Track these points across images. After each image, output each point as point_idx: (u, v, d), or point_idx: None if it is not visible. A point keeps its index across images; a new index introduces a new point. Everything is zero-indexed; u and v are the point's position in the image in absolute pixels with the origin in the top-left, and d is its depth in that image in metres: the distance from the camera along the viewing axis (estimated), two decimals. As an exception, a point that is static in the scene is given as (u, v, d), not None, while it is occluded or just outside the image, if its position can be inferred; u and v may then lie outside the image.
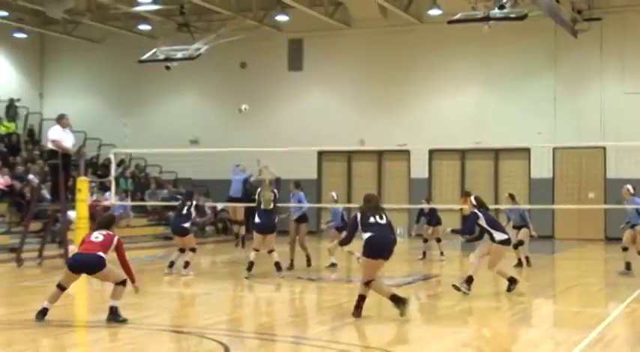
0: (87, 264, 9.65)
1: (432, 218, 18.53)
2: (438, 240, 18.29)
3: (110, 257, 9.80)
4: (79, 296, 13.54)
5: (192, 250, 15.10)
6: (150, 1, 25.81)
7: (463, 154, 27.08)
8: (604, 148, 25.03)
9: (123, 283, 9.70)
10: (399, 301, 10.04)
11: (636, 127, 23.71)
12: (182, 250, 15.23)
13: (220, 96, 30.07)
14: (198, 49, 25.29)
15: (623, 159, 23.64)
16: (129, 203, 24.79)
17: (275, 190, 15.00)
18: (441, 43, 26.95)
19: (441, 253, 18.12)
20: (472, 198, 12.62)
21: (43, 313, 9.62)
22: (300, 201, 16.56)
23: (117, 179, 23.48)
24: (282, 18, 27.53)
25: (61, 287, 9.75)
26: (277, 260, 14.66)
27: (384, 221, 10.14)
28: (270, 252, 14.70)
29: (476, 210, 12.33)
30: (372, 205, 10.27)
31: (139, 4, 26.07)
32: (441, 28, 24.75)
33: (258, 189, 15.14)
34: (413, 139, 25.59)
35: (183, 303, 12.32)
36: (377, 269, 10.11)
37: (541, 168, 25.57)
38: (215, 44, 25.80)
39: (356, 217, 10.23)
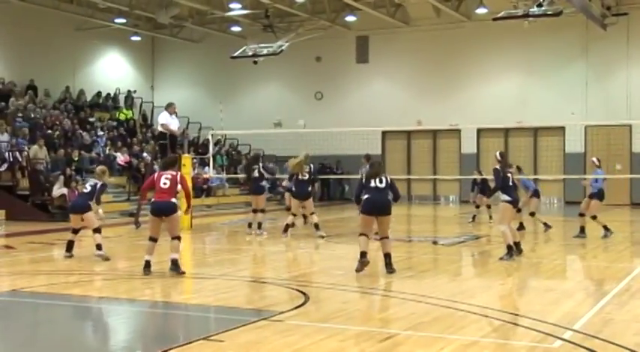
0: (164, 209, 9.63)
1: (484, 187, 18.13)
2: (489, 206, 17.97)
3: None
4: (185, 253, 13.83)
5: (262, 211, 15.19)
6: (240, 7, 25.93)
7: (507, 132, 26.60)
8: (630, 126, 24.28)
9: (178, 238, 9.68)
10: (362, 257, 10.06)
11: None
12: (255, 211, 15.23)
13: (299, 86, 30.16)
14: (281, 46, 25.30)
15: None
16: (224, 176, 25.11)
17: (311, 165, 14.93)
18: (487, 38, 26.44)
19: (490, 217, 17.81)
20: (497, 153, 11.92)
21: (147, 266, 9.75)
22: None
23: (214, 156, 23.81)
24: (350, 18, 27.35)
25: (152, 239, 9.78)
26: (316, 221, 14.79)
27: (383, 185, 10.18)
28: (311, 214, 14.89)
29: (497, 167, 11.63)
30: (374, 171, 10.36)
31: (231, 10, 26.21)
32: (487, 25, 24.30)
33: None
34: (463, 120, 25.18)
35: (270, 259, 12.44)
36: (370, 223, 10.26)
37: (574, 143, 24.94)
38: (294, 42, 25.81)
39: (361, 180, 10.42)
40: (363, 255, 10.05)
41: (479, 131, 26.56)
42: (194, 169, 22.10)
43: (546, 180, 24.08)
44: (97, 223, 11.44)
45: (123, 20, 27.84)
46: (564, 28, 24.73)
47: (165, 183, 9.66)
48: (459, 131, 26.46)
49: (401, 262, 11.05)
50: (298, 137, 24.86)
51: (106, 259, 11.13)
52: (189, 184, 17.10)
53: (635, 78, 24.98)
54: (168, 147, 16.65)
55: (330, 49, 29.06)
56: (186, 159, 17.16)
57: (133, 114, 28.76)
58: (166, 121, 16.65)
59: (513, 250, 11.36)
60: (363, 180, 10.38)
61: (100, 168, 12.12)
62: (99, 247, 11.24)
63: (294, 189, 14.87)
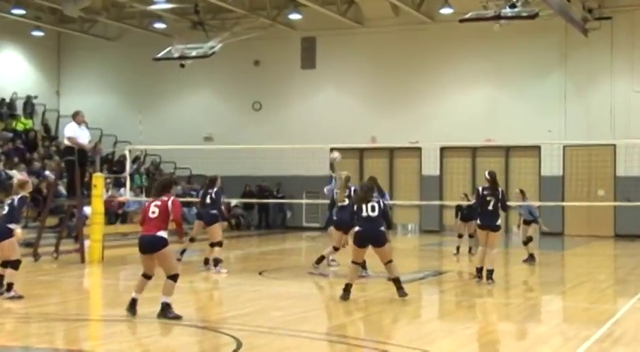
0: (149, 245, 9.52)
1: (469, 213, 18.28)
2: (471, 236, 18.10)
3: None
4: (94, 291, 13.62)
5: (218, 244, 14.51)
6: (164, 0, 25.84)
7: (474, 152, 27.00)
8: (614, 146, 24.92)
9: (174, 278, 9.56)
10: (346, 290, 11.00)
11: (646, 125, 23.63)
12: (212, 244, 14.61)
13: (234, 94, 30.13)
14: (213, 47, 25.29)
15: (633, 157, 23.49)
16: (143, 199, 24.81)
17: (351, 188, 14.29)
18: (452, 42, 26.89)
19: (470, 249, 17.96)
20: (486, 173, 13.32)
21: (132, 304, 9.67)
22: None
23: (132, 175, 23.56)
24: (295, 16, 27.52)
25: (145, 276, 9.73)
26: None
27: (375, 213, 10.95)
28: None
29: (478, 187, 13.39)
30: (362, 196, 11.10)
31: (153, 3, 26.09)
32: (453, 27, 24.73)
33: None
34: (424, 137, 25.51)
35: (197, 297, 12.34)
36: (363, 253, 11.25)
37: (551, 165, 25.43)
38: (229, 42, 25.82)
39: (352, 206, 11.37)
40: (347, 288, 10.88)
41: (442, 150, 26.90)
42: (107, 191, 21.83)
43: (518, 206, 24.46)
44: (18, 254, 10.99)
45: (22, 11, 27.37)
46: (540, 33, 25.32)
47: (153, 212, 9.54)
48: (419, 149, 26.74)
49: (351, 302, 11.06)
50: (233, 154, 24.83)
51: (20, 298, 10.78)
52: (101, 209, 16.99)
53: (619, 90, 25.66)
54: (77, 164, 16.44)
55: (270, 51, 29.16)
56: (98, 178, 16.95)
57: (33, 124, 28.27)
58: (74, 133, 16.43)
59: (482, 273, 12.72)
60: (354, 206, 11.16)
61: (18, 179, 11.87)
62: (9, 287, 10.81)
63: (334, 217, 14.34)
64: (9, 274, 10.78)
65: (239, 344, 8.09)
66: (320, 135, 26.18)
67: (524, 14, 20.91)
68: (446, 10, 25.56)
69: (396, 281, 11.05)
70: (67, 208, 18.51)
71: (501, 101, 26.86)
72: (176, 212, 9.60)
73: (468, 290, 12.88)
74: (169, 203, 9.56)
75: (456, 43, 26.80)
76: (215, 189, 14.92)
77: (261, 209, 28.44)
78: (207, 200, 14.83)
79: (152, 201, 9.71)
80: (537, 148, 25.78)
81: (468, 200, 18.92)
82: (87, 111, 17.83)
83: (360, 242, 11.03)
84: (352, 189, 14.19)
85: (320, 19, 27.21)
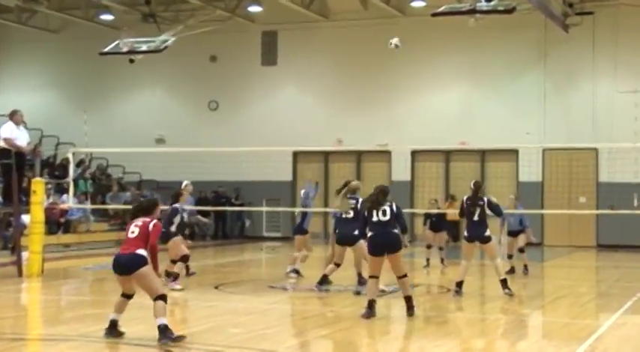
0: (125, 263, 9.24)
1: (439, 223, 18.31)
2: (441, 248, 18.14)
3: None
4: (32, 307, 13.46)
5: (183, 259, 14.14)
6: (112, -10, 25.70)
7: (447, 155, 27.19)
8: (596, 150, 25.22)
9: (162, 298, 9.21)
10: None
11: (630, 128, 23.91)
12: (173, 261, 14.20)
13: (188, 93, 30.04)
14: (165, 41, 25.19)
15: (616, 161, 23.84)
16: (88, 206, 24.64)
17: (358, 198, 13.80)
18: (424, 37, 27.02)
19: (442, 260, 18.01)
20: (472, 183, 13.73)
21: (112, 325, 9.42)
22: None
23: (75, 180, 23.34)
24: (255, 9, 27.51)
25: (125, 296, 9.49)
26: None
27: (386, 217, 10.99)
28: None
29: (464, 197, 13.71)
30: (373, 200, 11.13)
31: (100, -7, 25.96)
32: (425, 21, 24.83)
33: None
34: (394, 139, 25.64)
35: (146, 314, 12.21)
36: (379, 264, 11.03)
37: (529, 170, 25.68)
38: (183, 36, 25.75)
39: (364, 214, 11.24)
40: (371, 305, 10.83)
41: (413, 153, 27.03)
42: (48, 197, 21.59)
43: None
44: None
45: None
46: (518, 29, 25.58)
47: (132, 232, 9.34)
48: (389, 153, 26.85)
49: (316, 318, 11.04)
50: (186, 158, 24.73)
51: None
52: (41, 217, 16.79)
53: (601, 90, 26.00)
54: (14, 168, 16.24)
55: (228, 46, 29.11)
56: (38, 184, 16.75)
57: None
58: (11, 134, 16.25)
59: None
60: (365, 212, 11.15)
61: None
62: None
63: (337, 230, 14.02)
64: None
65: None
66: (281, 138, 26.18)
67: (501, 8, 21.11)
68: (417, 4, 25.76)
69: (408, 300, 11.06)
70: (2, 216, 18.29)
71: (477, 101, 27.07)
72: (154, 235, 9.31)
73: (440, 305, 12.94)
74: (151, 225, 9.33)
75: (428, 38, 26.96)
76: (173, 206, 14.57)
77: (217, 217, 28.32)
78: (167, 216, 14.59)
79: (132, 222, 9.50)
80: (515, 152, 26.00)
81: (438, 207, 19.03)
82: (26, 109, 17.62)
83: (375, 249, 10.97)
84: (359, 200, 13.71)
85: (282, 12, 27.23)
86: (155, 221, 9.44)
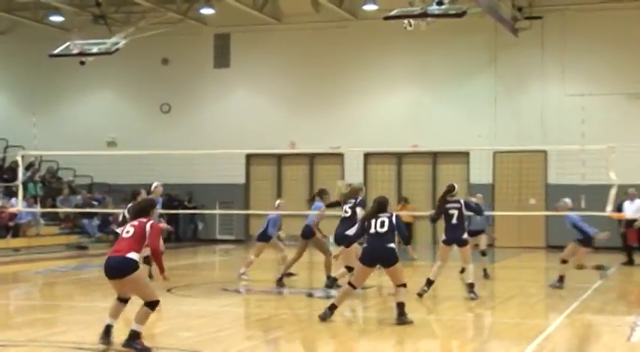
0: (116, 267, 8.75)
1: None
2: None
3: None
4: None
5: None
6: (63, -9, 25.46)
7: (400, 158, 27.36)
8: (545, 152, 25.56)
9: (151, 305, 8.77)
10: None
11: (577, 130, 24.26)
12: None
13: (140, 95, 29.86)
14: (116, 44, 25.00)
15: (565, 164, 24.18)
16: (38, 210, 24.36)
17: (357, 198, 13.97)
18: (376, 41, 27.18)
19: None
20: (447, 186, 13.80)
21: (106, 331, 9.06)
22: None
23: (25, 184, 23.06)
24: (207, 11, 27.42)
25: (120, 300, 9.12)
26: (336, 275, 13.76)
27: (384, 228, 10.81)
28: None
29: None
30: (373, 210, 11.07)
31: (50, -6, 25.70)
32: (377, 25, 24.97)
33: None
34: (347, 142, 25.67)
35: (96, 318, 12.12)
36: (366, 275, 11.00)
37: (480, 172, 25.96)
38: (134, 38, 25.58)
39: (363, 223, 11.12)
40: (332, 308, 10.76)
41: (366, 156, 27.16)
42: (-3, 201, 21.33)
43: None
44: None
45: None
46: (469, 33, 25.84)
47: (127, 232, 8.93)
48: (341, 156, 26.94)
49: (268, 320, 11.05)
50: (139, 160, 24.58)
51: None
52: None
53: (551, 93, 26.36)
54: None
55: (180, 49, 28.99)
56: (-13, 187, 16.57)
57: None
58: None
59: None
60: (365, 222, 11.01)
61: None
62: None
63: (342, 233, 13.51)
64: None
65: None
66: (234, 140, 26.12)
67: (452, 12, 21.27)
68: (369, 7, 25.86)
69: (400, 306, 10.77)
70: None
71: (428, 104, 27.27)
72: (153, 236, 8.87)
73: (392, 306, 13.01)
74: (147, 225, 8.92)
75: (381, 42, 27.11)
76: (129, 205, 13.75)
77: (170, 220, 28.08)
78: (120, 218, 14.25)
79: (127, 224, 9.19)
80: (466, 154, 26.26)
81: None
82: (-26, 112, 17.41)
83: (366, 259, 10.79)
84: (359, 200, 13.90)
85: (234, 15, 27.19)
86: (152, 221, 9.06)
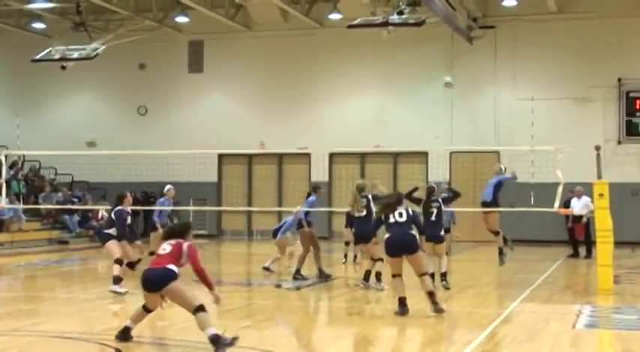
0: (154, 279, 8.47)
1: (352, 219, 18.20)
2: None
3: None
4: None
5: (117, 262, 13.07)
6: (44, -1, 25.22)
7: (363, 158, 27.42)
8: (497, 152, 25.69)
9: (200, 309, 8.29)
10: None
11: (527, 132, 24.44)
12: (118, 262, 13.13)
13: (118, 98, 29.67)
14: (96, 49, 24.85)
15: (515, 163, 24.28)
16: (20, 206, 24.10)
17: (368, 195, 13.91)
18: (341, 48, 27.23)
19: (355, 257, 18.10)
20: (426, 187, 13.99)
21: (124, 332, 8.73)
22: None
23: (8, 182, 22.81)
24: (182, 19, 27.31)
25: (146, 309, 8.76)
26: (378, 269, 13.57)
27: (403, 218, 10.99)
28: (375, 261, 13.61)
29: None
30: (389, 204, 11.17)
31: (32, 2, 25.43)
32: (342, 33, 25.02)
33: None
34: (313, 142, 25.73)
35: (77, 308, 12.05)
36: (399, 263, 10.89)
37: (438, 171, 25.97)
38: (113, 44, 25.44)
39: (379, 215, 11.29)
40: (402, 302, 10.72)
41: (331, 156, 27.19)
42: (-19, 198, 21.06)
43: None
44: None
45: None
46: (427, 41, 25.94)
47: (164, 249, 8.65)
48: (308, 155, 26.94)
49: (238, 310, 11.04)
50: (117, 160, 24.46)
51: None
52: None
53: (502, 98, 26.56)
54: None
55: (156, 54, 28.84)
56: (-28, 185, 16.36)
57: None
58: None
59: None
60: (382, 215, 11.09)
61: None
62: None
63: (353, 229, 14.29)
64: None
65: (121, 356, 7.97)
66: (208, 141, 25.98)
67: (411, 21, 21.43)
68: (334, 16, 25.89)
69: (431, 295, 10.72)
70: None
71: (390, 107, 27.36)
72: (193, 258, 8.59)
73: (357, 296, 13.06)
74: (184, 246, 8.64)
75: (345, 49, 27.16)
76: (117, 208, 13.40)
77: (147, 216, 27.93)
78: (99, 215, 14.09)
79: (164, 242, 8.86)
80: (425, 154, 26.35)
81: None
82: (-40, 114, 17.20)
83: (391, 250, 10.85)
84: (370, 197, 13.82)
85: (208, 23, 27.11)
86: (189, 243, 8.72)
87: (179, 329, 9.56)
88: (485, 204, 15.62)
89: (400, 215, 10.99)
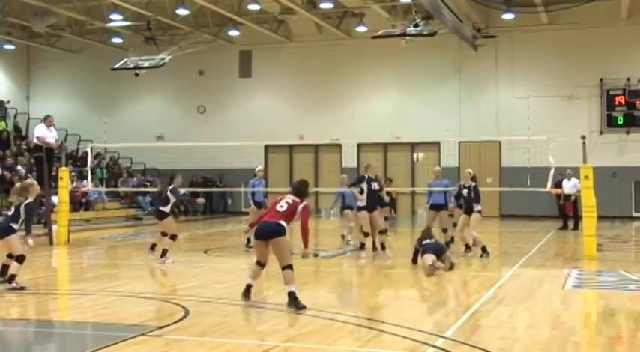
0: (267, 231, 8.34)
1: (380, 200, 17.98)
2: (386, 218, 17.17)
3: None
4: (61, 269, 13.35)
5: (172, 237, 12.78)
6: (121, 18, 25.38)
7: (385, 147, 27.32)
8: (499, 142, 25.54)
9: (289, 267, 8.26)
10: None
11: (524, 125, 24.15)
12: (164, 234, 12.90)
13: (182, 99, 29.85)
14: (163, 59, 25.02)
15: (514, 151, 24.10)
16: (103, 189, 24.41)
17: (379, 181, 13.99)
18: (366, 55, 27.12)
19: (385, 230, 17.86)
20: (468, 171, 13.97)
21: (247, 290, 8.65)
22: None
23: (93, 169, 23.11)
24: (233, 33, 27.35)
25: (259, 264, 8.59)
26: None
27: (432, 240, 11.79)
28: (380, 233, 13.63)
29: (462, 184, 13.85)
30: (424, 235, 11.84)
31: (111, 21, 25.62)
32: (366, 43, 24.94)
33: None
34: (344, 134, 25.73)
35: (150, 273, 12.19)
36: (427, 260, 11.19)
37: (449, 158, 25.82)
38: (177, 55, 25.59)
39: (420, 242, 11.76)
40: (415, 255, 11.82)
41: (359, 145, 27.13)
42: (72, 183, 21.32)
43: (423, 193, 24.79)
44: (21, 249, 9.66)
45: (-6, 28, 26.56)
46: (439, 48, 25.73)
47: (281, 207, 8.44)
48: (339, 145, 26.92)
49: (280, 276, 11.09)
50: (181, 151, 24.62)
51: (22, 288, 9.56)
52: (66, 198, 16.60)
53: (502, 96, 26.36)
54: (45, 160, 16.09)
55: (213, 62, 28.94)
56: (64, 172, 16.57)
57: (6, 125, 27.44)
58: (43, 134, 16.12)
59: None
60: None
61: (23, 183, 10.29)
62: (12, 278, 9.53)
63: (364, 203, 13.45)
64: (13, 267, 9.57)
65: (187, 312, 8.05)
66: (255, 134, 26.12)
67: (425, 32, 21.34)
68: (361, 29, 25.78)
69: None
70: (36, 198, 18.03)
71: (407, 104, 27.23)
72: (305, 216, 8.41)
73: (380, 263, 13.06)
74: (300, 206, 8.42)
75: (369, 56, 27.05)
76: (171, 187, 12.98)
77: (205, 197, 28.16)
78: (162, 196, 13.21)
79: (282, 198, 8.59)
80: (437, 144, 26.17)
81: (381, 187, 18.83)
82: (53, 113, 17.48)
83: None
84: (366, 177, 13.49)
85: (255, 35, 27.14)
86: (305, 203, 8.47)
87: (234, 291, 9.63)
88: (439, 207, 14.91)
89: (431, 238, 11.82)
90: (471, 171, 14.02)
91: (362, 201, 13.47)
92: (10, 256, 9.78)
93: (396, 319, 7.72)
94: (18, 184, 10.50)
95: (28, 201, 9.83)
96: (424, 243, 11.70)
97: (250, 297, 8.67)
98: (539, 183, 15.71)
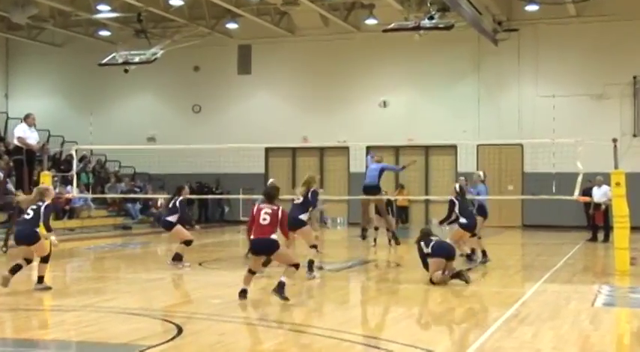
0: (265, 248, 9.83)
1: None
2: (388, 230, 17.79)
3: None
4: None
5: (186, 243, 13.72)
6: (109, 9, 25.45)
7: (397, 150, 27.28)
8: (521, 145, 25.50)
9: (296, 266, 9.82)
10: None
11: (549, 126, 24.16)
12: (187, 243, 13.74)
13: (175, 97, 29.88)
14: (155, 54, 25.04)
15: (538, 155, 24.07)
16: (89, 196, 24.42)
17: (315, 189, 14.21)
18: (376, 50, 27.13)
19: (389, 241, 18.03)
20: (457, 186, 14.06)
21: (243, 292, 9.84)
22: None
23: (78, 174, 23.09)
24: (232, 25, 27.40)
25: (252, 272, 9.98)
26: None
27: (437, 238, 11.78)
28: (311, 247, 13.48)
29: (452, 198, 13.87)
30: (424, 234, 11.83)
31: (98, 12, 25.69)
32: (377, 36, 24.92)
33: None
34: (351, 136, 25.71)
35: (139, 288, 12.16)
36: (439, 265, 11.48)
37: (466, 163, 25.81)
38: (170, 49, 25.61)
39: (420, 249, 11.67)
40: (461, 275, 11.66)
41: (368, 149, 26.98)
42: (55, 188, 21.31)
43: (438, 200, 24.78)
44: (47, 251, 11.00)
45: (-30, 19, 26.66)
46: (456, 43, 25.74)
47: (264, 219, 9.79)
48: (347, 148, 26.90)
49: (288, 288, 11.03)
50: (174, 154, 24.63)
51: (48, 288, 10.87)
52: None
53: (525, 95, 26.31)
54: (25, 163, 16.08)
55: (209, 58, 28.98)
56: (46, 176, 16.56)
57: (-18, 125, 27.54)
58: (23, 134, 16.11)
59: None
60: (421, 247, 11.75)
61: (39, 187, 11.44)
62: (41, 279, 10.92)
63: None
64: (41, 268, 10.89)
65: (180, 330, 8.02)
66: (255, 136, 26.16)
67: (441, 25, 21.31)
68: (371, 21, 25.79)
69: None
70: (15, 204, 18.04)
71: (421, 104, 27.22)
72: (284, 226, 10.06)
73: (390, 277, 13.03)
74: (279, 212, 9.84)
75: (380, 51, 27.06)
76: (180, 198, 13.92)
77: (201, 204, 28.23)
78: (159, 203, 14.45)
79: (261, 208, 9.86)
80: (454, 147, 26.19)
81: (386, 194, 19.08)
82: (35, 113, 17.41)
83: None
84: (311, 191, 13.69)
85: (255, 28, 27.17)
86: (282, 209, 9.91)
87: (231, 307, 9.60)
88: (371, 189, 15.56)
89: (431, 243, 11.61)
90: (481, 173, 14.33)
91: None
92: (27, 260, 10.84)
93: (407, 339, 7.68)
94: (34, 190, 11.36)
95: (46, 203, 10.85)
96: (432, 244, 11.53)
97: (246, 297, 9.73)
98: (566, 191, 15.64)
